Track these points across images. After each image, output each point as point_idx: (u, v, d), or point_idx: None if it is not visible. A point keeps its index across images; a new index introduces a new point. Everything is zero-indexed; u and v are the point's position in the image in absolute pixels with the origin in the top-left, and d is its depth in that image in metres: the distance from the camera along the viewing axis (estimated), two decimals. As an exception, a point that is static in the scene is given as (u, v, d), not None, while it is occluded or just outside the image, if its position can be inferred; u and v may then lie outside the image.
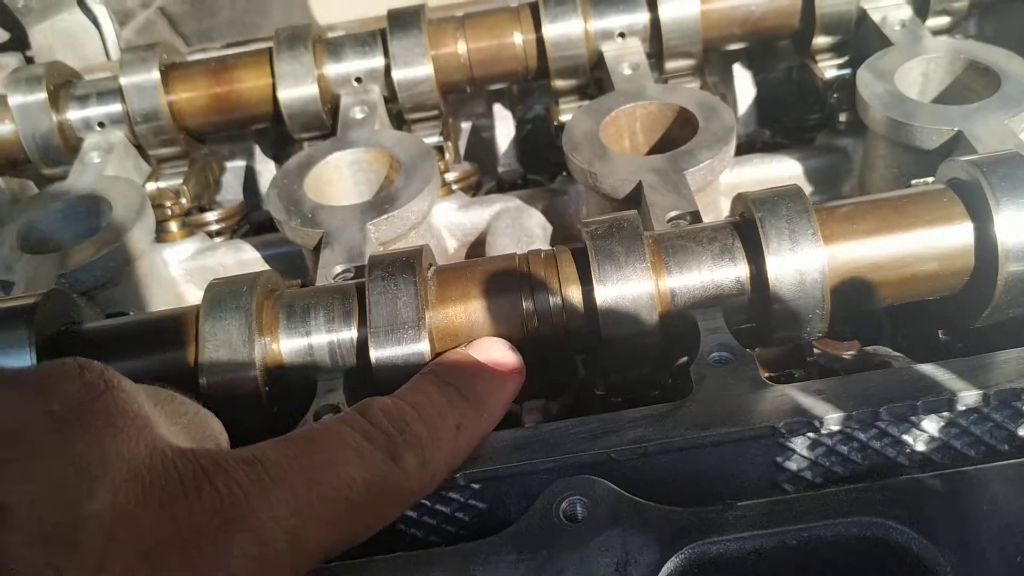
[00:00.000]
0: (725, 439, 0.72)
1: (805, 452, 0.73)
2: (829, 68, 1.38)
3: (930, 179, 1.06)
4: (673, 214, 1.00)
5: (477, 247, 1.31)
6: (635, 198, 1.10)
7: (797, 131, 1.48)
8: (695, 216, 0.99)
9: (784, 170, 1.30)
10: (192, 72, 1.37)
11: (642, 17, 1.33)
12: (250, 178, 1.58)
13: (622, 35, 1.34)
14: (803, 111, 1.47)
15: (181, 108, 1.36)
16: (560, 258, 0.88)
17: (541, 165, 1.55)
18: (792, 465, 0.73)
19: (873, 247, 0.86)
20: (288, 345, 0.85)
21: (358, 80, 1.35)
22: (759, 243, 0.83)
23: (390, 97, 1.38)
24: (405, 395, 0.73)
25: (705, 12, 1.31)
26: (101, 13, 1.74)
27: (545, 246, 1.21)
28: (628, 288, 0.83)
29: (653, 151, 1.26)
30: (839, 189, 1.32)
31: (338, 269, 1.01)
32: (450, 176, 1.38)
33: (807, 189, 1.31)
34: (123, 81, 1.34)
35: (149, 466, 0.53)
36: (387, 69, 1.34)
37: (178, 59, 1.43)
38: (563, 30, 1.32)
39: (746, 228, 0.86)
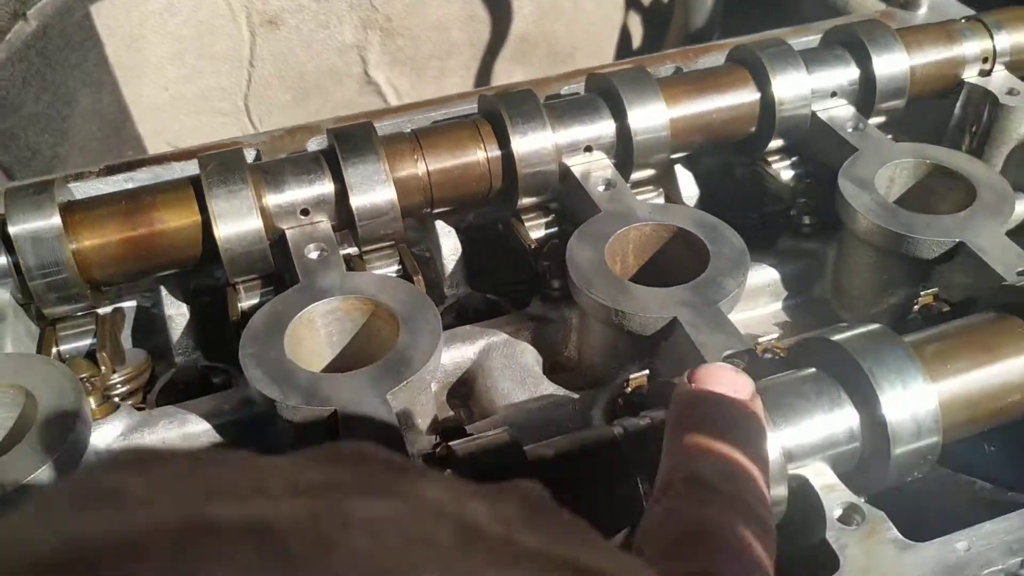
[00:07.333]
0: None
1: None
2: (783, 169, 1.38)
3: (934, 288, 1.07)
4: (728, 352, 0.94)
5: (459, 386, 1.18)
6: (664, 334, 1.03)
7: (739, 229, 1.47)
8: (752, 355, 0.93)
9: (764, 278, 1.28)
10: (98, 214, 1.13)
11: (608, 129, 1.27)
12: (145, 322, 1.32)
13: (588, 148, 1.27)
14: (743, 211, 1.47)
15: (88, 257, 1.12)
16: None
17: (485, 280, 1.43)
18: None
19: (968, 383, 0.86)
20: None
21: (304, 212, 1.18)
22: (870, 392, 0.80)
23: (338, 226, 1.22)
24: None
25: (672, 121, 1.27)
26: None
27: (548, 385, 1.10)
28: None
29: (640, 273, 1.20)
30: (810, 292, 1.32)
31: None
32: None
33: (782, 294, 1.30)
34: (12, 230, 1.09)
35: None
36: (338, 196, 1.19)
37: (67, 196, 1.19)
38: (533, 145, 1.22)
39: (850, 374, 0.82)
